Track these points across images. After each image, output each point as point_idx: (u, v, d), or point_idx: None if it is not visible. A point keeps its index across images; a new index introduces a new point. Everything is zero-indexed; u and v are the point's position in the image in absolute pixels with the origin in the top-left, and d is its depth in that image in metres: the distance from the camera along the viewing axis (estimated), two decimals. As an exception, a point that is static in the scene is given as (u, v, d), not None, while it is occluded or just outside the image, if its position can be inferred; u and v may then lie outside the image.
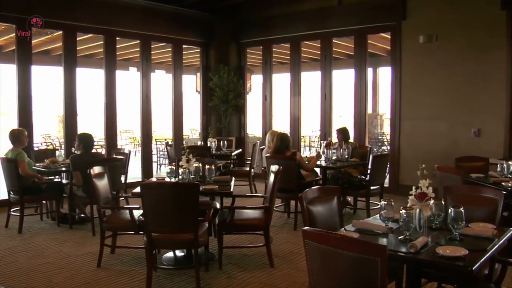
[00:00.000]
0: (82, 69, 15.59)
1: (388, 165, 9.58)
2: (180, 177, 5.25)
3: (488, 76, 7.96)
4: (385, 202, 3.14)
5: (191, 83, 13.65)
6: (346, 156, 7.43)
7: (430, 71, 8.57)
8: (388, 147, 11.39)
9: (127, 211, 5.28)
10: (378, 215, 3.30)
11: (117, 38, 10.05)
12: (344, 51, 13.31)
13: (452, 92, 8.36)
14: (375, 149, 12.87)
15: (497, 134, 7.92)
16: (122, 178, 7.80)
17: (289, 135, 7.63)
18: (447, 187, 3.93)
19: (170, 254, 5.51)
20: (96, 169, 5.44)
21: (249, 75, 12.15)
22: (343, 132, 7.94)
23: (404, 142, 9.00)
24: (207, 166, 5.37)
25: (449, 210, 2.94)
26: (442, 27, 8.35)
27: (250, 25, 11.25)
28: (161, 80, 16.53)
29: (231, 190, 4.97)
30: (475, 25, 8.01)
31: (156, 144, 14.04)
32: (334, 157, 7.26)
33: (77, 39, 9.45)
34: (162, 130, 19.74)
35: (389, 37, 9.33)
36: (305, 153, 15.08)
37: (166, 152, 9.50)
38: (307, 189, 3.64)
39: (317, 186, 3.79)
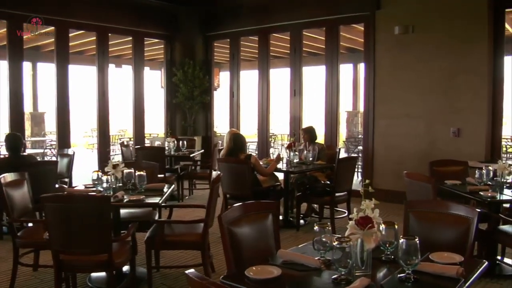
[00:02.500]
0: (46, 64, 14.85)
1: (360, 168, 8.98)
2: (105, 185, 4.45)
3: (468, 70, 7.25)
4: (318, 227, 2.39)
5: (158, 79, 12.85)
6: (311, 159, 6.67)
7: (407, 65, 7.84)
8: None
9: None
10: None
11: (70, 29, 9.26)
12: (321, 45, 12.52)
13: (430, 88, 7.64)
14: (352, 149, 12.11)
15: (478, 134, 7.22)
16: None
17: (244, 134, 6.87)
18: (408, 203, 3.18)
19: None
20: (9, 176, 4.63)
21: (217, 71, 11.38)
22: (309, 132, 7.18)
23: (378, 143, 8.26)
24: (137, 172, 4.57)
25: (400, 242, 2.18)
26: (418, 16, 7.61)
27: (217, 16, 10.43)
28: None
29: (160, 200, 4.15)
30: (454, 13, 7.30)
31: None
32: (296, 160, 6.49)
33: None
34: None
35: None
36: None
37: (121, 153, 8.68)
38: (229, 208, 2.88)
39: (243, 202, 3.01)
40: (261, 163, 6.37)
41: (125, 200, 4.20)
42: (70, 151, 7.38)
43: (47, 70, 16.38)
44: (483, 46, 7.08)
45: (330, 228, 2.43)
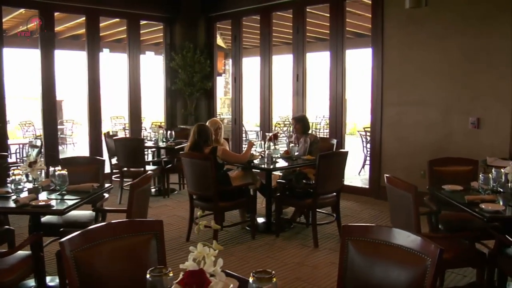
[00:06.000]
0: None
1: (371, 163, 7.94)
2: (13, 186, 3.69)
3: (491, 49, 6.10)
4: (151, 275, 1.51)
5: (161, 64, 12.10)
6: (296, 153, 5.74)
7: (419, 44, 6.75)
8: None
9: None
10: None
11: (56, 13, 8.61)
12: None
13: (446, 71, 6.54)
14: (368, 140, 10.99)
15: (501, 124, 6.07)
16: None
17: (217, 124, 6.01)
18: (345, 227, 2.24)
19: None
20: None
21: (221, 55, 10.49)
22: (301, 121, 6.23)
23: (387, 134, 7.22)
24: (57, 172, 3.78)
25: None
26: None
27: (219, -6, 9.56)
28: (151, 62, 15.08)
29: (66, 207, 3.33)
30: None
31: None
32: (277, 155, 5.55)
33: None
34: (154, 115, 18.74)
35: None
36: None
37: (105, 144, 7.96)
38: (77, 232, 2.03)
39: (108, 222, 2.16)
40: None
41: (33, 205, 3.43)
42: (38, 143, 6.74)
43: (62, 57, 16.01)
44: (508, 22, 5.91)
45: (171, 275, 1.55)
